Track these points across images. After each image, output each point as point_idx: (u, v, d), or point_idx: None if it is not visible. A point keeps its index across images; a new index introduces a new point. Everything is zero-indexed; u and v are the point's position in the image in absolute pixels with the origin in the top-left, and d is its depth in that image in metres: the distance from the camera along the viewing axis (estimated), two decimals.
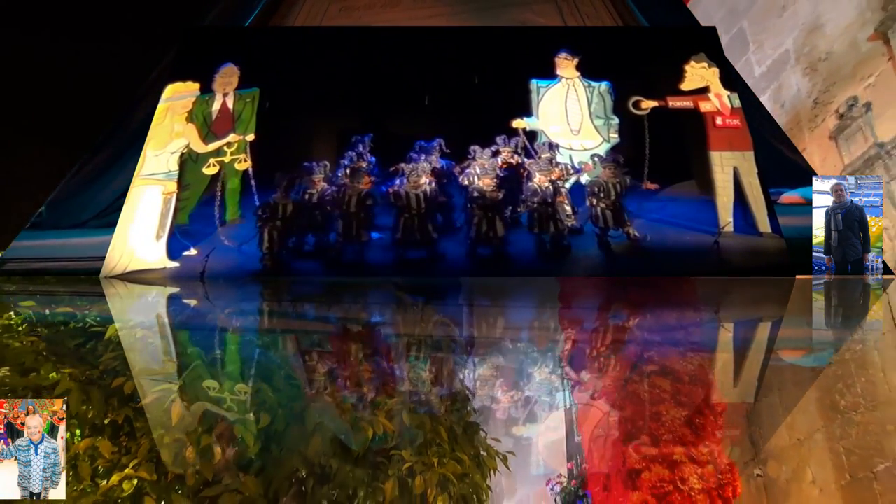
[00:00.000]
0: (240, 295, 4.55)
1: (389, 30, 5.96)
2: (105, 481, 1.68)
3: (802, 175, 4.77)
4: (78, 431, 1.81)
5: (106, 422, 1.96)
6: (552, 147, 4.92)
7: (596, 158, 4.86)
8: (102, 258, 4.59)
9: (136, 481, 1.72)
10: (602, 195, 4.68)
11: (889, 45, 5.32)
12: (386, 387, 2.63)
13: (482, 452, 2.54)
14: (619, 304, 4.35)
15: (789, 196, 4.71)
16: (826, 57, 6.00)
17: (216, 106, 5.22)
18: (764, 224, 4.60)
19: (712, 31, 5.58)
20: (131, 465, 1.76)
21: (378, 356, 3.05)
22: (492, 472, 2.53)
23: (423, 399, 2.59)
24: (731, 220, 4.64)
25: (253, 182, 4.89)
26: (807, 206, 4.46)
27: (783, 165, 4.96)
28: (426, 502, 2.21)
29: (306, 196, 4.77)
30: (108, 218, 4.87)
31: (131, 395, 2.10)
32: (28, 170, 5.90)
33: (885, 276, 4.26)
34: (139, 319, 3.86)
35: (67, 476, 1.64)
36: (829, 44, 5.68)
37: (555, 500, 2.67)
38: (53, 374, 1.98)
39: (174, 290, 4.53)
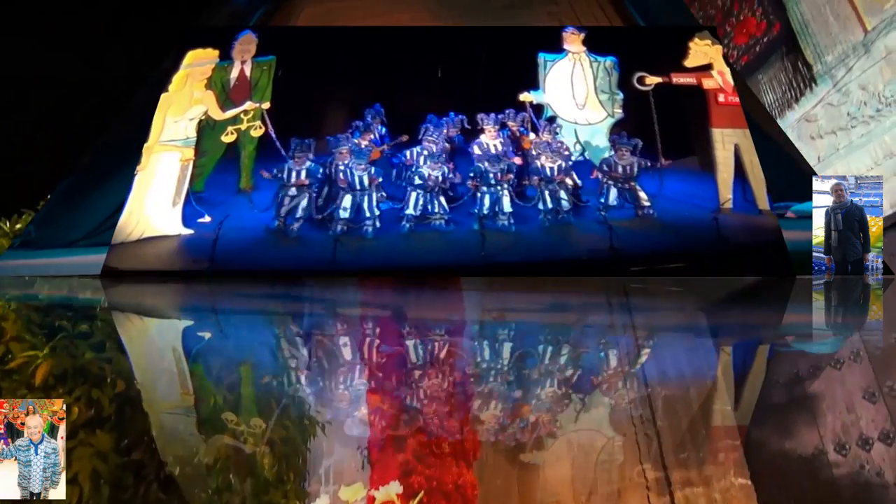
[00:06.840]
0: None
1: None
2: None
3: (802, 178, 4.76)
4: None
5: None
6: (553, 122, 5.00)
7: (613, 138, 4.89)
8: (95, 276, 4.42)
9: None
10: (613, 174, 4.76)
11: None
12: None
13: None
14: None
15: None
16: None
17: (234, 73, 5.31)
18: (763, 201, 4.67)
19: (712, 30, 5.60)
20: None
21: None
22: None
23: None
24: (730, 196, 4.71)
25: (278, 144, 4.89)
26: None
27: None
28: None
29: (333, 168, 4.79)
30: (99, 237, 4.67)
31: None
32: (20, 180, 5.64)
33: (886, 276, 4.26)
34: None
35: None
36: None
37: None
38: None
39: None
